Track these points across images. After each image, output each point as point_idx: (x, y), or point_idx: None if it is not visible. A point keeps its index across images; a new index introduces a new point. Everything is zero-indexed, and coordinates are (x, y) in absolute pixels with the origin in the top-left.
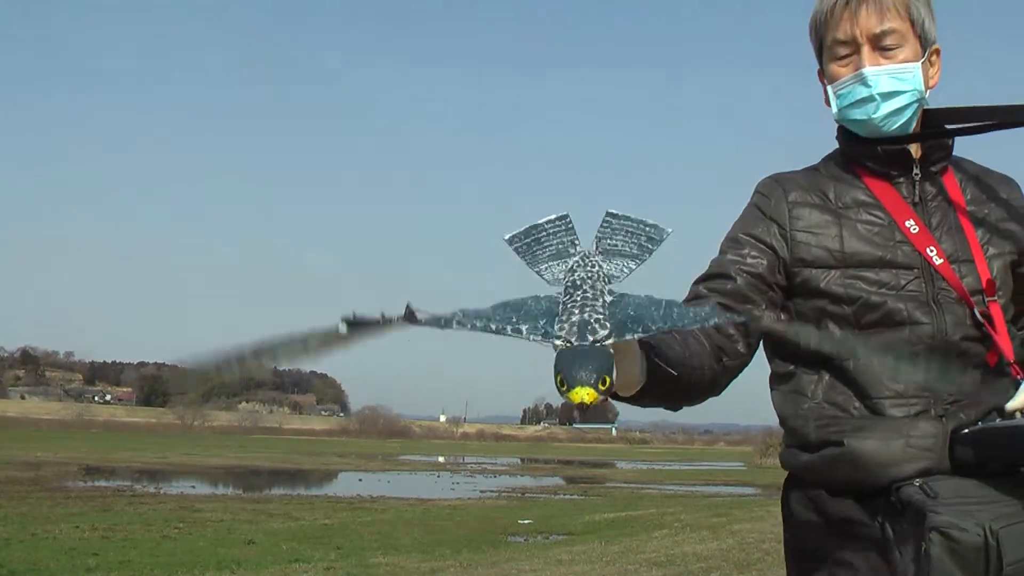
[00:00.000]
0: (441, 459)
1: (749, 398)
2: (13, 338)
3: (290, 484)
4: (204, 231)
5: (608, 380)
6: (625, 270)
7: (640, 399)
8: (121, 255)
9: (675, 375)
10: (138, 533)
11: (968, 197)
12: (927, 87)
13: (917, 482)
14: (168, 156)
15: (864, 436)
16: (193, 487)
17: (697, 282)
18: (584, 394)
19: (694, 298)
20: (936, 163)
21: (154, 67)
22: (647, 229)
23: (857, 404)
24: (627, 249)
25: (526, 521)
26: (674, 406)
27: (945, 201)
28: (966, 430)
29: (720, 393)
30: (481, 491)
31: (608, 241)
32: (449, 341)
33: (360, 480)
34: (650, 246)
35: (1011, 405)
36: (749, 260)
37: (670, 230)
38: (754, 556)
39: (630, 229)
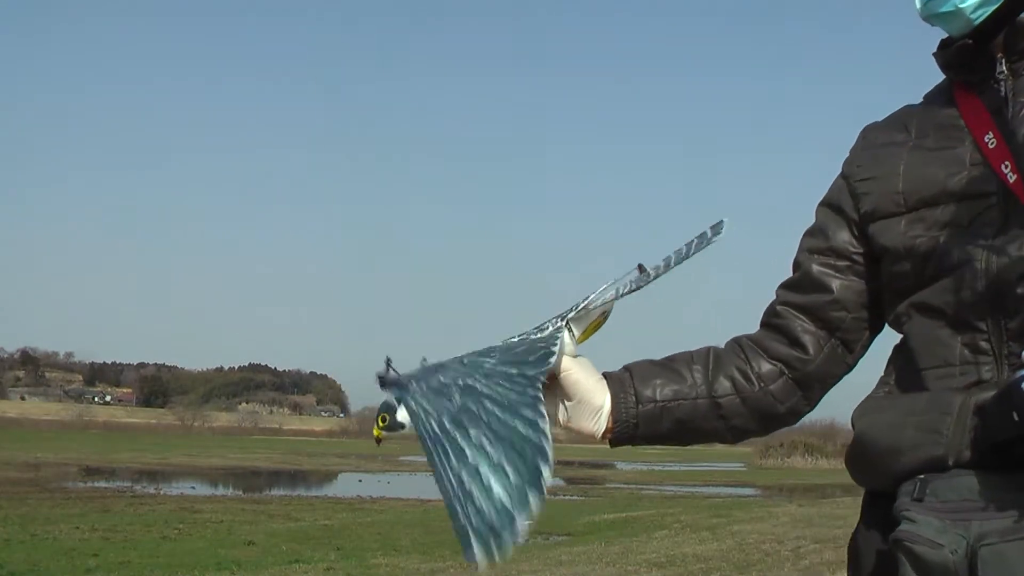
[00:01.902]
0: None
1: None
2: (13, 338)
3: (290, 485)
4: (205, 231)
5: (387, 419)
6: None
7: (637, 441)
8: (121, 255)
9: (661, 413)
10: (138, 534)
11: None
12: None
13: (921, 477)
14: (169, 155)
15: (876, 416)
16: (193, 488)
17: (780, 285)
18: (374, 429)
19: (768, 307)
20: None
21: (159, 66)
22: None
23: (911, 380)
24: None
25: None
26: (728, 439)
27: None
28: (980, 402)
29: (809, 407)
30: None
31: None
32: (448, 341)
33: (360, 481)
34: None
35: None
36: (819, 236)
37: (726, 221)
38: (754, 557)
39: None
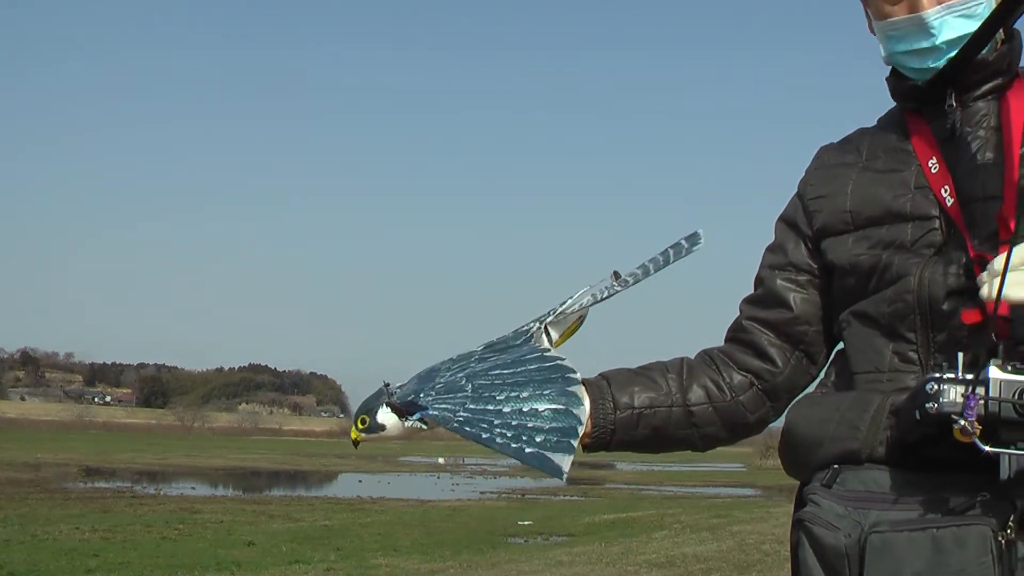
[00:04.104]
0: (441, 460)
1: None
2: (13, 338)
3: (290, 485)
4: (206, 231)
5: (367, 420)
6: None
7: (612, 447)
8: (121, 255)
9: (638, 419)
10: (138, 534)
11: None
12: None
13: (835, 466)
14: (169, 155)
15: (806, 411)
16: (193, 488)
17: (744, 300)
18: (352, 431)
19: (733, 322)
20: (978, 85)
21: (160, 73)
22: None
23: (844, 383)
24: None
25: (526, 522)
26: (699, 446)
27: (988, 128)
28: (896, 403)
29: (776, 416)
30: (481, 492)
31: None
32: (449, 341)
33: (360, 481)
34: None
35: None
36: (779, 252)
37: (701, 234)
38: (754, 557)
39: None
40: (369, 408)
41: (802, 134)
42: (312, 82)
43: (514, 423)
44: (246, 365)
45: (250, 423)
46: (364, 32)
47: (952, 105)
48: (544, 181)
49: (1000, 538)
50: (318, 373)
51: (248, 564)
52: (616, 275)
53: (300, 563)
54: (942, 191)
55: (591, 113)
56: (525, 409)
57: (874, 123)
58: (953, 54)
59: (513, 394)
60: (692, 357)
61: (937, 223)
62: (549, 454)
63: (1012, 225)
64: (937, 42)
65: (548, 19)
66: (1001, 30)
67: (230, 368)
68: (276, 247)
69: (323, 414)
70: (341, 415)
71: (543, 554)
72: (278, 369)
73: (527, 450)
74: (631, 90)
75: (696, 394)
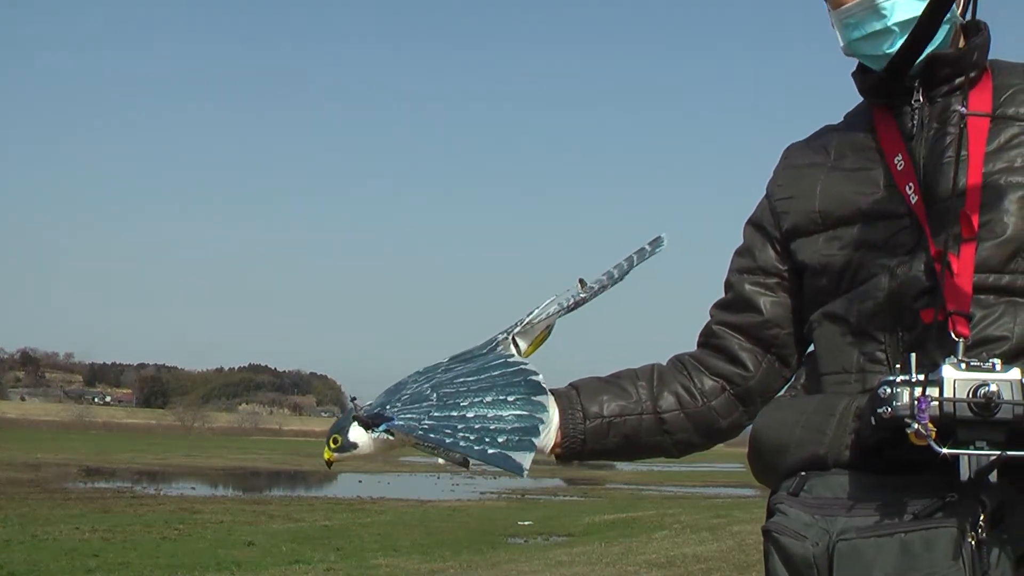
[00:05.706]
0: (441, 460)
1: None
2: (13, 339)
3: (290, 485)
4: (205, 232)
5: (339, 440)
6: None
7: (584, 456)
8: (121, 255)
9: (608, 428)
10: (138, 534)
11: (1009, 112)
12: (965, 2)
13: (802, 474)
14: (169, 155)
15: (772, 415)
16: (193, 488)
17: (714, 305)
18: (325, 452)
19: (704, 327)
20: (946, 80)
21: (160, 72)
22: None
23: (813, 385)
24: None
25: (526, 522)
26: (672, 453)
27: (954, 124)
28: (860, 406)
29: (750, 420)
30: (481, 492)
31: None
32: (449, 341)
33: (360, 481)
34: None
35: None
36: (747, 256)
37: (664, 238)
38: (754, 557)
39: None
40: (340, 428)
41: (803, 134)
42: (312, 82)
43: (477, 427)
44: (246, 365)
45: (250, 423)
46: (364, 32)
47: (919, 100)
48: (544, 181)
49: (970, 538)
50: (318, 373)
51: (248, 564)
52: (582, 283)
53: (300, 563)
54: (907, 188)
55: (592, 113)
56: (489, 414)
57: (840, 119)
58: (904, 38)
59: (477, 399)
60: (663, 363)
61: (907, 220)
62: (511, 453)
63: (975, 223)
64: (889, 23)
65: (548, 19)
66: (966, 23)
67: (230, 368)
68: (276, 247)
69: (323, 414)
70: (341, 415)
71: (543, 554)
72: (278, 369)
73: (489, 451)
74: (632, 90)
75: (667, 401)
